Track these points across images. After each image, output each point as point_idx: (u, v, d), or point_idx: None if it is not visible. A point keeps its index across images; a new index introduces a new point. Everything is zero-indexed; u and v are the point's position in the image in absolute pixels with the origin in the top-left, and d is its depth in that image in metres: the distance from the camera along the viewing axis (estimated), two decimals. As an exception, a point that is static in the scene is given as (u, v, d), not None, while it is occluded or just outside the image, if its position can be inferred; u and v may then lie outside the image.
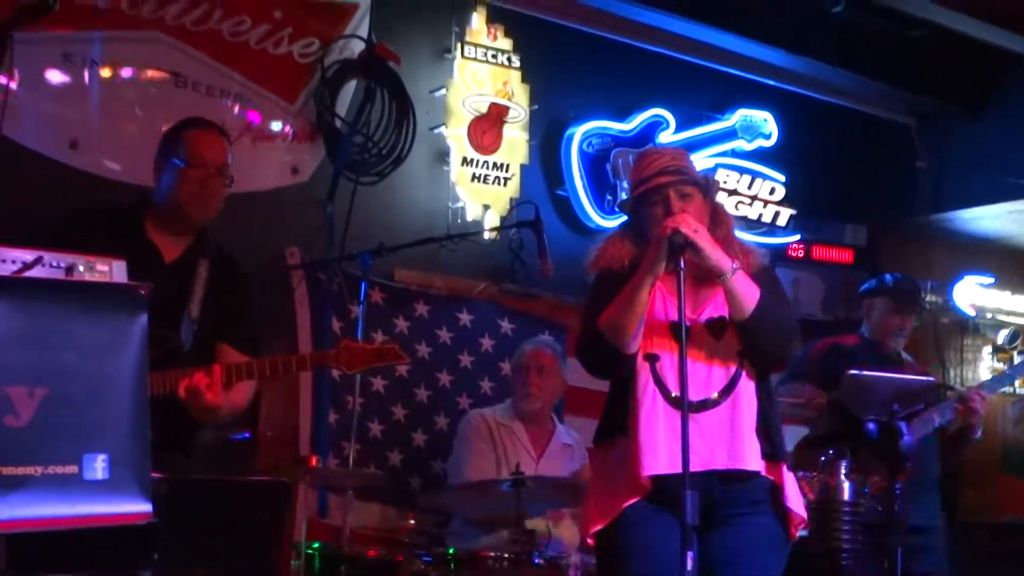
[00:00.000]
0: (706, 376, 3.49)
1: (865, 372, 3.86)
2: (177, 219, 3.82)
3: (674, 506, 3.24)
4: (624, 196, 3.92)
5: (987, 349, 8.55)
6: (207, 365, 3.55)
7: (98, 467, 2.35)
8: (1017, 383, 8.52)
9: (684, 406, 3.20)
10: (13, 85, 4.53)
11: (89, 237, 3.24)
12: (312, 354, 4.17)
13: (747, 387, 3.51)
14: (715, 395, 3.47)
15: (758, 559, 3.47)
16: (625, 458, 3.48)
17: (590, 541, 3.64)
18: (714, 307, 3.57)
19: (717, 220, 3.62)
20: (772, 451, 3.50)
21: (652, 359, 3.50)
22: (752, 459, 3.45)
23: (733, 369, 3.51)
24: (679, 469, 3.24)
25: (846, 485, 3.35)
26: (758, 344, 3.49)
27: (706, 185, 3.64)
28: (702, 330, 3.53)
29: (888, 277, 5.37)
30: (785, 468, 3.55)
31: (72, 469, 2.32)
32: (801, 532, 3.56)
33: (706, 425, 3.42)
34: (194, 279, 3.71)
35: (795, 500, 3.54)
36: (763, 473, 3.48)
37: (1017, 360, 8.47)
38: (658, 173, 3.59)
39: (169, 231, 3.81)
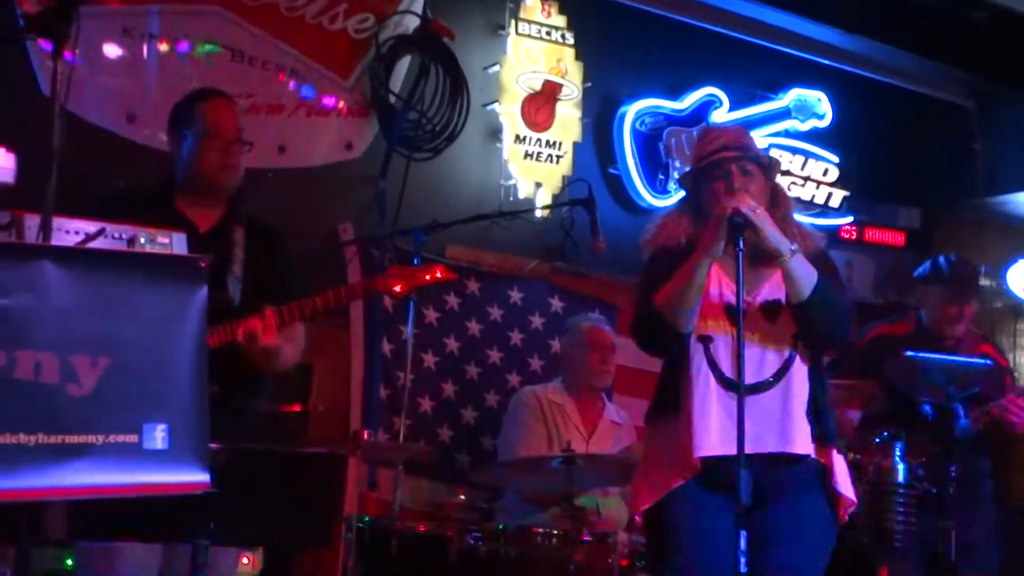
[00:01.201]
0: (760, 359, 3.47)
1: (920, 354, 3.81)
2: (206, 190, 3.83)
3: (724, 487, 3.26)
4: (682, 172, 3.89)
5: (1041, 334, 8.47)
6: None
7: (158, 436, 2.37)
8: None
9: (741, 388, 3.19)
10: (78, 60, 4.58)
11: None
12: (360, 281, 4.12)
13: (800, 371, 3.49)
14: (769, 378, 3.45)
15: (806, 537, 3.46)
16: (677, 438, 3.47)
17: (638, 518, 3.64)
18: (769, 290, 3.54)
19: (777, 201, 3.60)
20: (822, 434, 3.48)
21: (706, 341, 3.48)
22: (802, 442, 3.44)
23: (787, 352, 3.49)
24: (730, 451, 3.25)
25: (900, 467, 3.33)
26: (814, 327, 3.47)
27: (768, 165, 3.62)
28: (757, 313, 3.51)
29: (943, 262, 5.08)
30: (835, 452, 3.53)
31: (132, 438, 2.34)
32: (853, 511, 3.53)
33: (758, 408, 3.39)
34: (232, 244, 3.74)
35: (844, 483, 3.52)
36: (813, 456, 3.47)
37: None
38: (721, 148, 3.57)
39: (200, 203, 3.83)
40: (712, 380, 3.45)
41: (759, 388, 3.42)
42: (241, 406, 3.78)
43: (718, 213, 3.38)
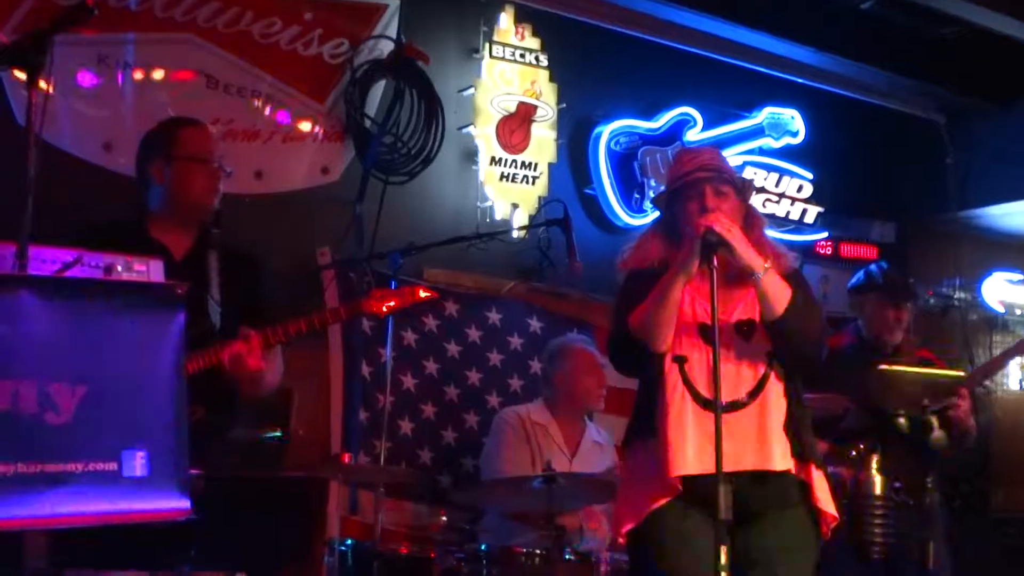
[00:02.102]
0: (735, 377, 3.49)
1: (895, 367, 3.86)
2: (186, 215, 3.84)
3: (705, 504, 3.26)
4: (657, 192, 3.93)
5: (1017, 346, 8.51)
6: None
7: (137, 464, 2.38)
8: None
9: (717, 406, 3.21)
10: (51, 89, 4.58)
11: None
12: (344, 304, 4.13)
13: (775, 388, 3.51)
14: (744, 396, 3.47)
15: (791, 558, 3.48)
16: (655, 459, 3.49)
17: (622, 540, 3.65)
18: (743, 309, 3.57)
19: (750, 221, 3.63)
20: (801, 450, 3.50)
21: (680, 360, 3.51)
22: (781, 459, 3.45)
23: (762, 370, 3.51)
24: (708, 469, 3.26)
25: (877, 479, 3.36)
26: (789, 345, 3.49)
27: (742, 186, 3.65)
28: (731, 331, 3.53)
29: (875, 270, 5.20)
30: (815, 467, 3.54)
31: (112, 466, 2.36)
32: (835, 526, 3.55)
33: (735, 426, 3.41)
34: (208, 269, 3.75)
35: (825, 499, 3.53)
36: (793, 472, 3.48)
37: None
38: (696, 169, 3.61)
39: (174, 230, 3.84)
40: (688, 399, 3.47)
41: (735, 406, 3.44)
42: (223, 432, 3.79)
43: (691, 232, 3.42)
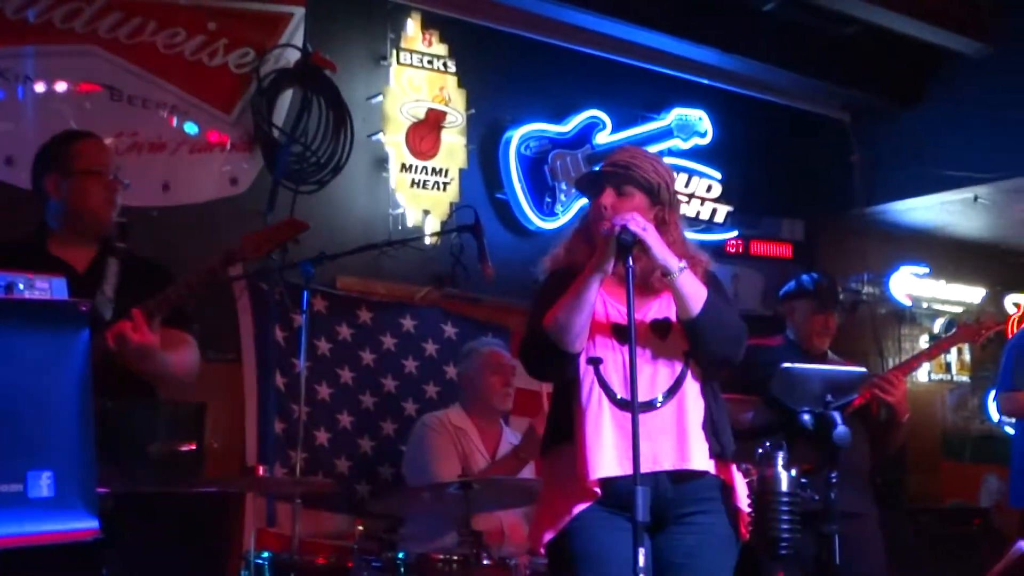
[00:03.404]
0: (651, 377, 3.46)
1: (798, 365, 3.92)
2: (86, 229, 3.75)
3: (625, 508, 3.23)
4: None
5: (924, 338, 8.71)
6: None
7: (43, 484, 2.34)
8: (955, 370, 8.69)
9: (634, 406, 3.19)
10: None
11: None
12: (217, 257, 4.00)
13: (693, 387, 3.48)
14: (660, 396, 3.44)
15: (711, 560, 3.46)
16: (573, 464, 3.44)
17: (541, 551, 3.58)
18: (659, 308, 3.54)
19: (666, 225, 3.55)
20: (720, 450, 3.48)
21: (595, 362, 3.46)
22: (700, 459, 3.43)
23: (679, 369, 3.48)
24: (627, 471, 3.25)
25: (783, 476, 3.39)
26: (706, 344, 3.47)
27: (654, 189, 3.58)
28: (647, 331, 3.50)
29: (806, 278, 5.35)
30: (735, 468, 3.55)
31: (16, 487, 2.32)
32: None
33: (653, 426, 3.38)
34: (105, 273, 3.69)
35: (744, 499, 3.53)
36: (712, 472, 3.47)
37: (954, 353, 8.64)
38: (606, 165, 3.60)
39: (74, 243, 3.75)
40: (604, 401, 3.43)
41: (652, 406, 3.41)
42: (133, 448, 3.73)
43: (607, 230, 3.36)
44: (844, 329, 5.57)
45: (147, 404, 3.72)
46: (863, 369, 4.14)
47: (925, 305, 8.63)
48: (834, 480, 3.72)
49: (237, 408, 5.65)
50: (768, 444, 3.35)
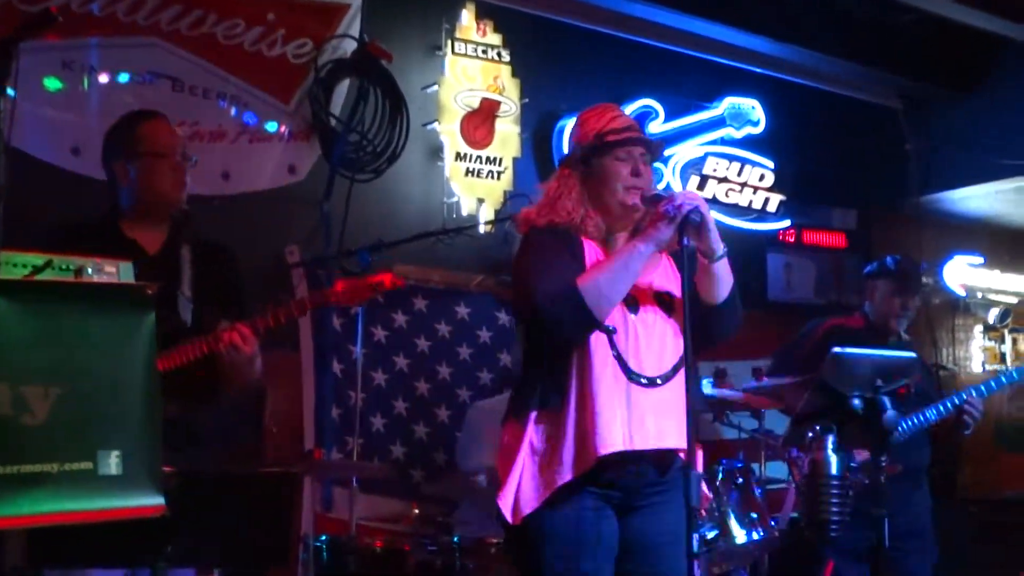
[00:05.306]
0: (659, 352, 3.39)
1: (848, 349, 3.94)
2: (155, 210, 3.82)
3: (611, 485, 3.25)
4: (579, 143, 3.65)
5: (978, 328, 8.63)
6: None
7: (112, 463, 2.41)
8: (1009, 360, 8.61)
9: (688, 377, 3.15)
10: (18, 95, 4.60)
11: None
12: (311, 294, 4.07)
13: (691, 365, 3.32)
14: (669, 370, 3.37)
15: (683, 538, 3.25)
16: (566, 433, 3.30)
17: (514, 521, 3.35)
18: (660, 280, 3.48)
19: None
20: (698, 431, 3.37)
21: (610, 332, 3.32)
22: (689, 438, 3.24)
23: (681, 346, 3.39)
24: (633, 446, 3.23)
25: (833, 459, 3.41)
26: (720, 327, 3.45)
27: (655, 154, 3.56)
28: (652, 301, 3.42)
29: (889, 260, 5.44)
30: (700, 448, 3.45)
31: (87, 465, 2.39)
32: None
33: (660, 401, 3.33)
34: (180, 263, 3.76)
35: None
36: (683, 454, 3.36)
37: (1008, 344, 8.56)
38: (628, 128, 3.50)
39: (146, 225, 3.81)
40: (620, 373, 3.31)
41: (662, 381, 3.35)
42: (198, 429, 3.81)
43: (675, 206, 3.25)
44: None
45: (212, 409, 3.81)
46: (913, 354, 4.15)
47: (979, 295, 8.55)
48: (884, 464, 3.73)
49: (295, 394, 5.72)
50: (818, 428, 3.37)
